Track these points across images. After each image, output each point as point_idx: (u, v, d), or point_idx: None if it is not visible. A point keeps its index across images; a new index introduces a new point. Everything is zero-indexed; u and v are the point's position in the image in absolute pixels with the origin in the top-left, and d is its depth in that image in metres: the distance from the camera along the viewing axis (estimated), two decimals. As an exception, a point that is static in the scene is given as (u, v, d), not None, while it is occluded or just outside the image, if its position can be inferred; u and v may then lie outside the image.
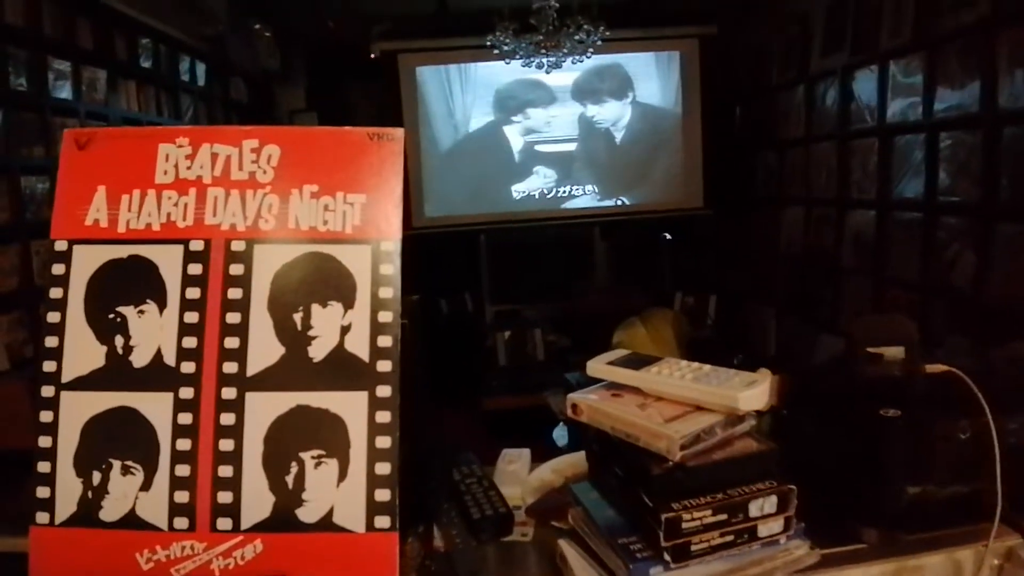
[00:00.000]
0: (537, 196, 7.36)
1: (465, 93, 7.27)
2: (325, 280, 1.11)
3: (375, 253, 1.12)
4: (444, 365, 6.47)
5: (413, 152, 7.21)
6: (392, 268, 1.12)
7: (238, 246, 1.13)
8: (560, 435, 4.68)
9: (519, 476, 1.59)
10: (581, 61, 5.53)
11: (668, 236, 7.16)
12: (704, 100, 7.28)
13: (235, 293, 1.12)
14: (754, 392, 1.10)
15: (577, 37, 5.17)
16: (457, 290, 7.31)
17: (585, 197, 7.39)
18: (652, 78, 7.32)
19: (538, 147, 7.31)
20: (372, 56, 7.01)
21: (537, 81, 7.00)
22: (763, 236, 6.25)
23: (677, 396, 1.14)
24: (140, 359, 1.14)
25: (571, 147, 7.32)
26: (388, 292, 1.12)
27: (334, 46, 6.95)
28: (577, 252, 7.34)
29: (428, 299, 6.72)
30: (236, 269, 1.13)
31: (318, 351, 1.11)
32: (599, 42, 5.29)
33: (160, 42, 4.72)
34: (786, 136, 5.86)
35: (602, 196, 7.39)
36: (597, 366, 1.22)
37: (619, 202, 7.37)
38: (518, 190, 7.36)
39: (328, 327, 1.11)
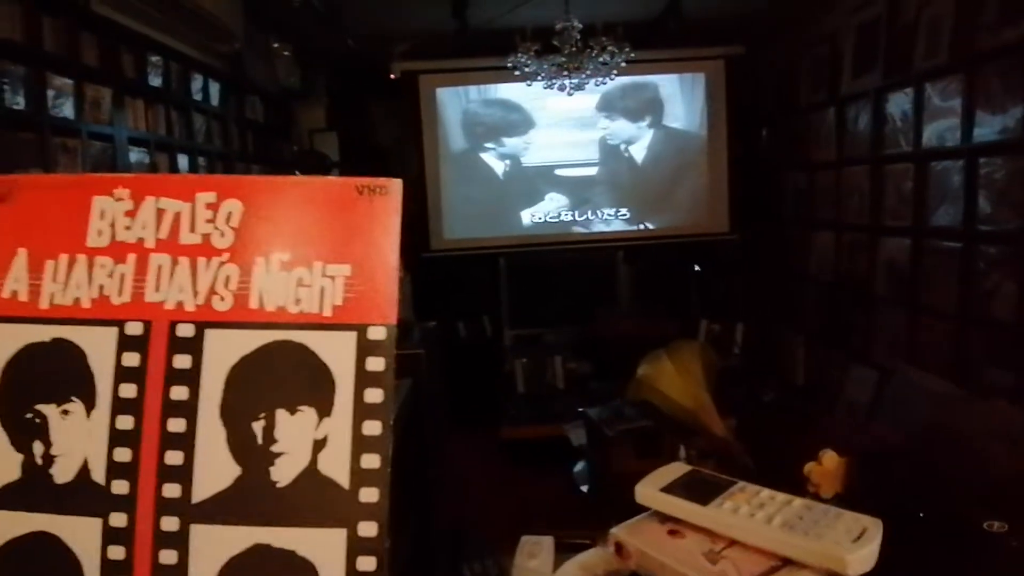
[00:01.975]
0: (558, 219, 7.18)
1: (485, 115, 7.07)
2: (295, 378, 0.84)
3: (362, 343, 0.84)
4: (462, 390, 6.34)
5: (433, 173, 7.07)
6: (383, 362, 0.84)
7: (185, 331, 0.86)
8: (581, 474, 4.42)
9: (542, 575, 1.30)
10: (604, 83, 5.31)
11: (697, 268, 6.93)
12: (730, 121, 7.08)
13: (179, 393, 0.85)
14: (866, 552, 0.80)
15: (601, 59, 4.95)
16: (476, 314, 7.15)
17: (607, 221, 7.19)
18: (677, 99, 7.12)
19: (558, 171, 7.13)
20: (393, 76, 6.83)
21: (557, 102, 6.81)
22: (792, 261, 6.05)
23: (760, 545, 0.84)
24: (63, 473, 0.87)
25: (592, 171, 7.15)
26: (377, 395, 0.83)
27: (355, 65, 6.76)
28: (599, 276, 7.18)
29: (446, 323, 6.54)
30: (182, 361, 0.86)
31: (284, 473, 0.83)
32: (623, 64, 5.06)
33: (172, 60, 4.50)
34: (816, 159, 5.65)
35: (625, 220, 7.18)
36: (650, 492, 0.91)
37: (642, 226, 7.16)
38: (538, 213, 7.18)
39: (297, 441, 0.83)
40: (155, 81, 4.33)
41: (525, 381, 6.36)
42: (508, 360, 6.58)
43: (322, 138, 6.95)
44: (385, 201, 0.86)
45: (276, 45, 5.97)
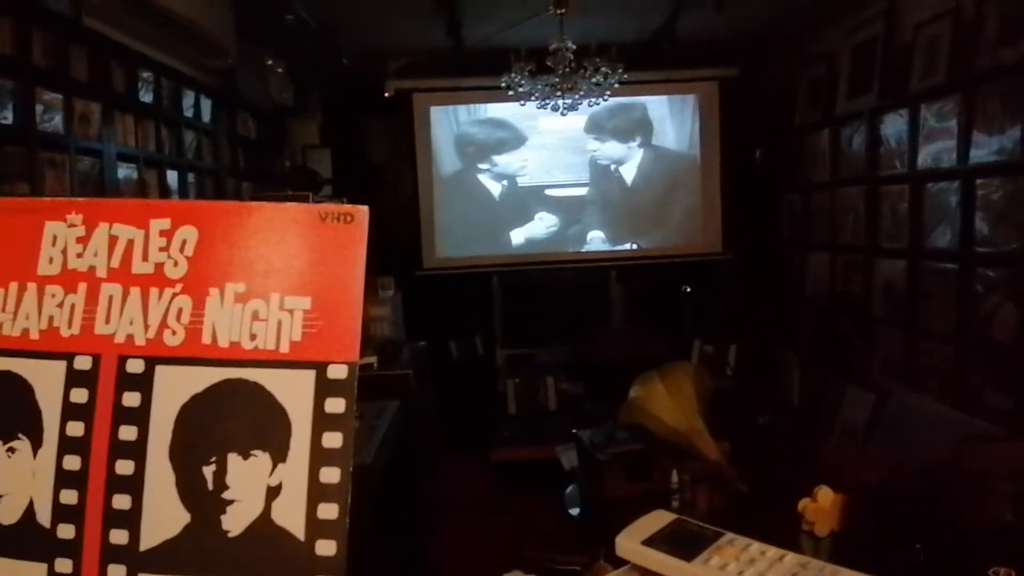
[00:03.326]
0: (551, 238, 7.15)
1: (477, 134, 7.06)
2: (249, 420, 0.78)
3: (321, 382, 0.78)
4: (453, 410, 6.30)
5: (426, 191, 7.06)
6: (344, 404, 0.78)
7: (135, 367, 0.80)
8: (572, 497, 4.36)
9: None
10: (598, 104, 5.30)
11: (688, 289, 6.90)
12: (723, 141, 7.07)
13: (128, 432, 0.80)
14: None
15: (594, 80, 4.94)
16: (468, 333, 7.12)
17: (599, 240, 7.17)
18: (667, 120, 7.14)
19: (550, 191, 7.12)
20: (387, 94, 6.81)
21: (548, 122, 6.80)
22: (786, 282, 6.03)
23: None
24: (7, 514, 0.82)
25: (583, 191, 7.15)
26: (336, 439, 0.77)
27: (349, 82, 6.74)
28: (592, 296, 7.17)
29: (438, 342, 6.52)
30: (131, 399, 0.80)
31: (235, 521, 0.77)
32: (616, 85, 5.05)
33: (163, 75, 4.46)
34: (811, 179, 5.63)
35: (616, 239, 7.17)
36: (631, 546, 0.84)
37: (635, 246, 7.14)
38: (531, 232, 7.15)
39: (249, 488, 0.77)
40: (146, 97, 4.28)
41: (517, 402, 6.31)
42: (500, 380, 6.54)
43: (315, 155, 6.92)
44: (350, 230, 0.81)
45: (270, 62, 5.93)
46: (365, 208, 0.81)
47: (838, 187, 5.21)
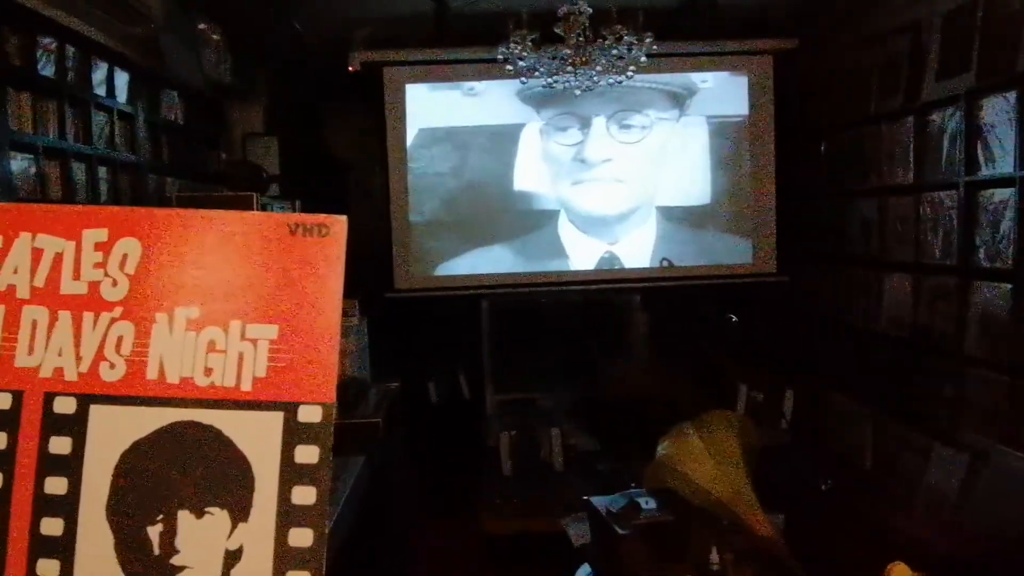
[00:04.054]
0: (558, 253, 7.20)
1: (466, 118, 7.13)
2: (203, 471, 0.84)
3: (290, 427, 0.84)
4: (433, 470, 6.32)
5: (400, 193, 7.11)
6: (317, 453, 0.84)
7: (64, 406, 0.86)
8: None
9: None
10: (620, 83, 5.32)
11: (733, 318, 6.94)
12: (778, 135, 7.11)
13: (56, 485, 0.85)
14: None
15: (615, 51, 4.96)
16: (451, 371, 7.12)
17: (620, 256, 7.20)
18: (711, 104, 7.19)
19: (562, 190, 7.15)
20: (351, 69, 6.85)
21: (565, 104, 6.87)
22: (857, 312, 6.04)
23: None
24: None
25: (601, 193, 7.16)
26: (308, 495, 0.83)
27: (303, 53, 6.78)
28: (609, 327, 7.18)
29: (413, 383, 6.53)
30: (59, 445, 0.85)
31: (186, 593, 0.83)
32: (644, 59, 5.08)
33: (68, 42, 4.51)
34: (889, 182, 5.65)
35: (641, 255, 7.21)
36: None
37: (665, 263, 7.17)
38: (532, 245, 7.19)
39: (204, 551, 0.83)
40: (46, 70, 4.33)
41: (513, 459, 6.32)
42: (491, 432, 6.53)
43: (260, 145, 6.97)
44: (325, 245, 0.86)
45: (203, 27, 5.98)
46: (343, 218, 0.86)
47: (924, 191, 5.23)
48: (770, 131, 7.15)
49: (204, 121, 6.47)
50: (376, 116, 7.10)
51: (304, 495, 0.83)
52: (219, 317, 0.86)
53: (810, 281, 6.88)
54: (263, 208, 5.33)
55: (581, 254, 7.25)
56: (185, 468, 0.85)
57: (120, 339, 0.87)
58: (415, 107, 7.13)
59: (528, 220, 7.23)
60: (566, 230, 7.23)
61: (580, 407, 6.69)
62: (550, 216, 7.23)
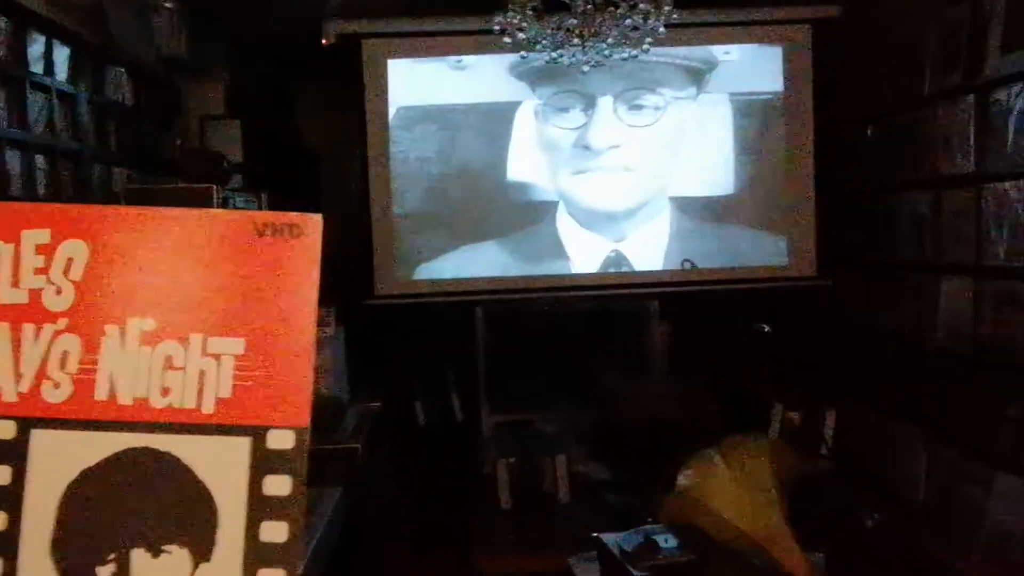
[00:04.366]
0: (557, 252, 7.24)
1: (454, 95, 7.15)
2: (160, 504, 0.85)
3: (259, 454, 0.86)
4: (420, 502, 6.33)
5: (382, 184, 7.14)
6: (289, 483, 0.85)
7: (2, 431, 0.88)
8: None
9: None
10: (634, 56, 5.34)
11: (767, 328, 6.95)
12: (818, 113, 7.12)
13: (-8, 520, 0.87)
14: None
15: (629, 21, 4.98)
16: (441, 389, 7.13)
17: (630, 256, 7.26)
18: (734, 79, 7.23)
19: (566, 178, 7.17)
20: (325, 42, 6.87)
21: (566, 81, 6.89)
22: (907, 322, 6.04)
23: None
24: None
25: (612, 183, 7.18)
26: (279, 531, 0.85)
27: (270, 25, 6.79)
28: (623, 338, 7.18)
29: (398, 403, 6.54)
30: (-3, 474, 0.87)
31: (140, 642, 0.84)
32: (662, 30, 5.09)
33: None
34: (945, 171, 5.65)
35: (660, 255, 7.23)
36: None
37: (687, 264, 7.18)
38: (528, 243, 7.24)
39: (161, 596, 0.84)
40: (-27, 44, 4.35)
41: (513, 490, 6.34)
42: (488, 458, 6.57)
43: (220, 130, 6.96)
44: (297, 247, 0.88)
45: (155, -5, 6.01)
46: (317, 218, 0.88)
47: (985, 181, 5.24)
48: (807, 111, 7.18)
49: (156, 102, 6.48)
50: (354, 95, 7.12)
51: (274, 531, 0.85)
52: (177, 330, 0.88)
53: (854, 286, 6.89)
54: (224, 202, 5.34)
55: (583, 253, 7.29)
56: (139, 501, 0.86)
57: (65, 354, 0.89)
58: (397, 83, 7.16)
59: (523, 214, 7.28)
60: (565, 225, 7.26)
61: (589, 430, 6.70)
62: (548, 209, 7.26)
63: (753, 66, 7.23)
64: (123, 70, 5.92)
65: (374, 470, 5.31)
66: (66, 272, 0.89)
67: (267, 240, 0.87)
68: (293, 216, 0.88)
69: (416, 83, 7.19)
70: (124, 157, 5.83)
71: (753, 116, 7.24)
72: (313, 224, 0.87)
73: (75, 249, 0.89)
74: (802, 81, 7.18)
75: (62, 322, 0.88)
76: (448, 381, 7.17)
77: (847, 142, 6.97)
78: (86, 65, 5.41)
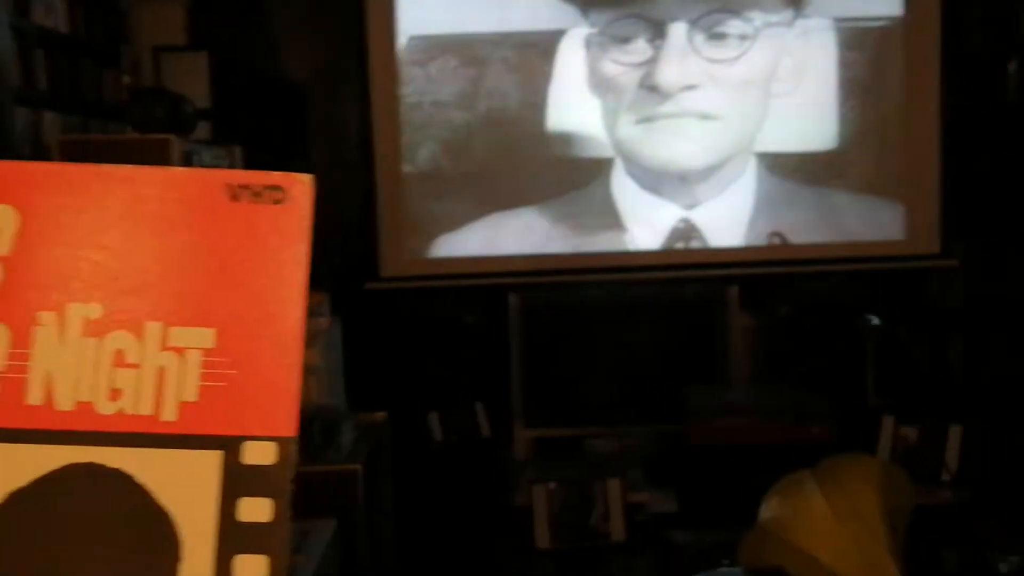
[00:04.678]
0: (611, 223, 7.24)
1: (480, 21, 7.15)
2: (109, 533, 0.87)
3: (231, 471, 0.87)
4: (436, 539, 6.35)
5: (388, 134, 7.14)
6: (271, 508, 0.86)
7: (-82, 442, 0.90)
8: None
9: None
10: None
11: (875, 321, 6.94)
12: (947, 49, 7.08)
13: None
14: None
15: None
16: (462, 397, 7.14)
17: (703, 227, 7.24)
18: (847, 2, 7.16)
19: (625, 127, 7.16)
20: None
21: (627, 3, 6.90)
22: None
23: None
24: None
25: (692, 129, 7.17)
26: (257, 567, 0.86)
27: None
28: (692, 333, 7.17)
29: (407, 414, 6.56)
30: (-98, 497, 0.89)
31: None
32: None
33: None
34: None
35: (736, 226, 7.22)
36: None
37: (776, 239, 7.17)
38: (575, 211, 7.24)
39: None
40: None
41: (552, 524, 6.35)
42: (521, 484, 6.59)
43: (179, 65, 6.97)
44: (281, 215, 0.88)
45: None
46: (307, 178, 0.88)
47: None
48: (934, 44, 7.14)
49: (98, 28, 6.49)
50: (352, 18, 7.12)
51: (250, 568, 0.86)
52: (130, 317, 0.89)
53: (990, 267, 6.88)
54: (187, 157, 5.35)
55: (645, 224, 7.29)
56: (82, 529, 0.88)
57: None
58: (408, 4, 7.15)
59: (568, 174, 7.27)
60: (623, 188, 7.25)
61: (649, 450, 6.71)
62: (600, 168, 7.26)
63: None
64: (57, -12, 5.95)
65: (377, 498, 5.33)
66: (-10, 245, 0.90)
67: (243, 206, 0.88)
68: (276, 176, 0.88)
69: (432, 4, 7.17)
70: (57, 99, 5.85)
71: (864, 48, 7.21)
72: (301, 186, 0.87)
73: (2, 217, 0.90)
74: (927, 4, 7.14)
75: (-13, 307, 0.90)
76: (471, 387, 7.18)
77: (984, 83, 6.95)
78: (12, -17, 5.44)
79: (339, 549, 4.41)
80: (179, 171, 0.90)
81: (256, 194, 0.88)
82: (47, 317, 0.88)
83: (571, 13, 7.09)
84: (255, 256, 0.88)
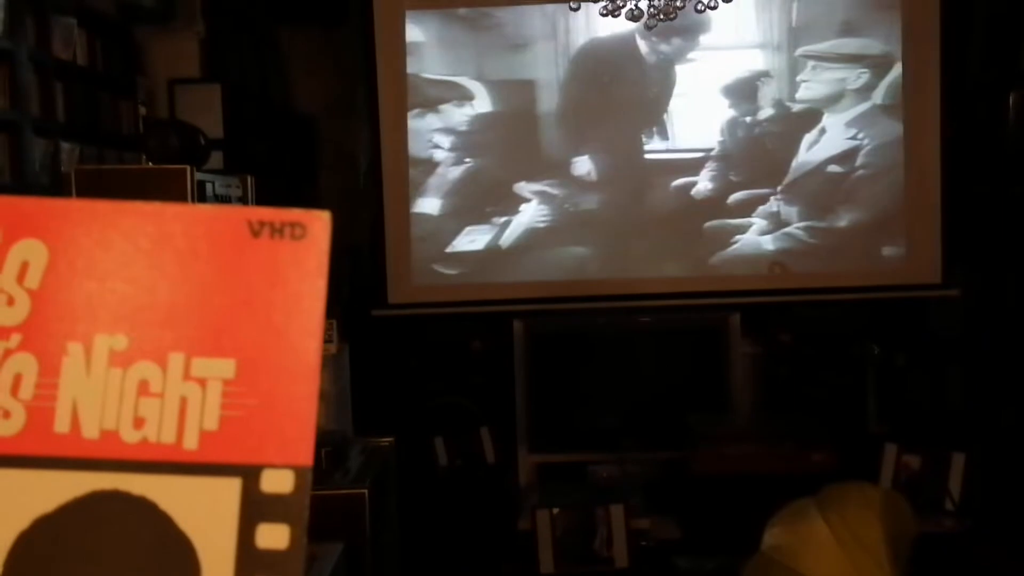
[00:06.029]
0: (619, 254, 7.23)
1: (494, 59, 7.16)
2: (131, 557, 0.88)
3: (251, 498, 0.88)
4: (441, 562, 6.34)
5: (398, 165, 7.12)
6: (288, 535, 0.88)
7: (-58, 469, 0.91)
8: None
9: None
10: (714, 6, 5.36)
11: (876, 350, 6.93)
12: (944, 75, 7.09)
13: (-76, 580, 0.90)
14: None
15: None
16: (468, 423, 7.13)
17: (714, 258, 7.24)
18: (842, 33, 7.18)
19: (625, 162, 7.17)
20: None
21: (631, 41, 6.90)
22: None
23: None
24: None
25: (684, 164, 7.17)
26: (277, 594, 0.87)
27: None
28: (696, 360, 7.16)
29: (413, 439, 6.55)
30: (-71, 523, 0.90)
31: None
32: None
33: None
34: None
35: (741, 255, 7.22)
36: None
37: (776, 269, 7.17)
38: (583, 242, 7.20)
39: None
40: None
41: (557, 548, 6.35)
42: (525, 509, 6.58)
43: (193, 96, 6.99)
44: (300, 251, 0.90)
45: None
46: (325, 215, 0.90)
47: None
48: (934, 74, 7.14)
49: (114, 61, 6.50)
50: (364, 53, 7.15)
51: (270, 594, 0.87)
52: (154, 349, 0.89)
53: (991, 298, 6.87)
54: (200, 188, 5.36)
55: (651, 253, 7.26)
56: (106, 555, 0.88)
57: (18, 378, 0.90)
58: (415, 45, 7.17)
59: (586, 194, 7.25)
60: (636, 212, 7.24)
61: (652, 476, 6.70)
62: (610, 193, 7.25)
63: (865, 19, 7.21)
64: (73, 21, 5.94)
65: (383, 522, 5.33)
66: (20, 279, 0.91)
67: (264, 241, 0.89)
68: (296, 213, 0.88)
69: (446, 43, 7.21)
70: (74, 129, 5.85)
71: (868, 83, 7.22)
72: (321, 223, 0.88)
73: (31, 251, 0.90)
74: (927, 34, 7.10)
75: (15, 339, 0.90)
76: (476, 413, 7.17)
77: (982, 113, 6.95)
78: (26, 15, 5.43)
79: (346, 573, 4.41)
80: (203, 208, 0.91)
81: (277, 230, 0.89)
82: (74, 348, 0.89)
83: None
84: (275, 290, 0.89)
